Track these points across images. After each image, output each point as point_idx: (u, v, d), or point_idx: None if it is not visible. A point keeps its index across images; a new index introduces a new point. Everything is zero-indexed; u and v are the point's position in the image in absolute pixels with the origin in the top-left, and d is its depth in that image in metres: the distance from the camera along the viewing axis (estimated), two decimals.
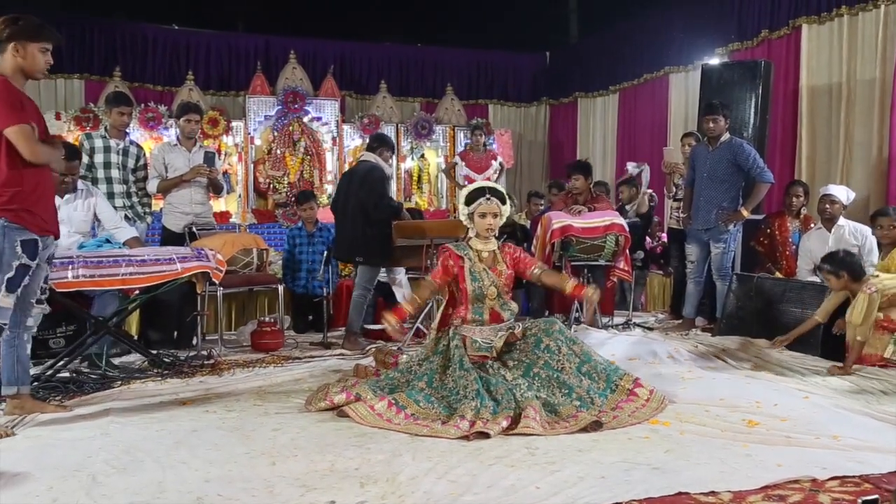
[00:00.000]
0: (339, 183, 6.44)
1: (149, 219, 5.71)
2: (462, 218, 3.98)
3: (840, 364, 4.34)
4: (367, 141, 6.45)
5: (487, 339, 3.80)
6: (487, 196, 3.86)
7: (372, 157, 5.66)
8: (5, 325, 3.30)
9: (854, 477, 2.63)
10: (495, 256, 3.93)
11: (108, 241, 4.59)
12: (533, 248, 5.97)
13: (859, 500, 2.23)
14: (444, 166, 9.87)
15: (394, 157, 6.14)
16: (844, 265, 4.53)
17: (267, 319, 5.62)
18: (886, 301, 4.34)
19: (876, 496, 2.24)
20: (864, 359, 4.38)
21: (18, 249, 3.25)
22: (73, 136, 7.98)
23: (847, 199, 5.58)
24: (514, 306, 3.97)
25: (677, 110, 8.77)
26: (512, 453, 2.95)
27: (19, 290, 3.29)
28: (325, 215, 7.74)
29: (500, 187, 4.00)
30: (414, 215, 6.70)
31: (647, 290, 7.58)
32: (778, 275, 5.83)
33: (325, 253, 6.05)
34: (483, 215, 3.87)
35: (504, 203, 3.92)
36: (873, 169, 6.31)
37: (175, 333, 5.49)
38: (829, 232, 5.49)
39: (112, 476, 2.70)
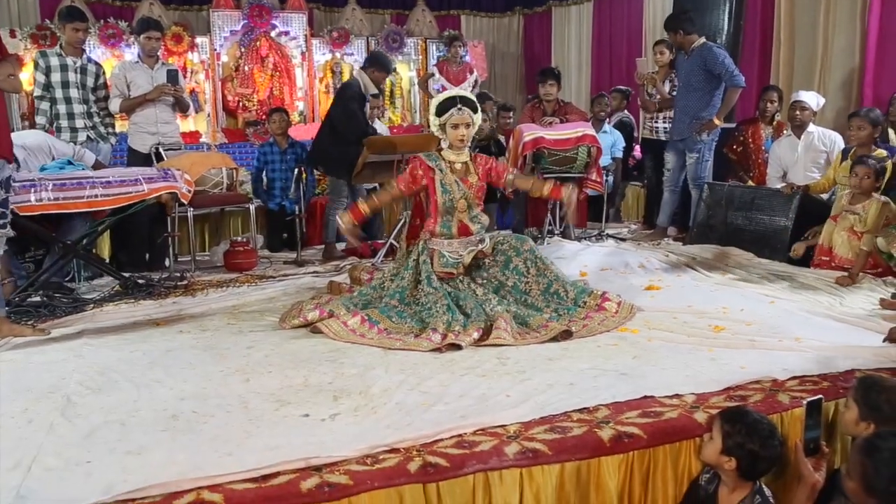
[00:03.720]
0: None
1: (113, 139, 5.58)
2: (433, 129, 3.91)
3: (846, 274, 4.25)
4: None
5: (455, 253, 3.79)
6: (459, 106, 3.78)
7: (357, 75, 5.76)
8: None
9: (813, 376, 2.72)
10: (467, 167, 3.89)
11: (70, 162, 4.48)
12: (506, 160, 5.93)
13: (803, 401, 2.29)
14: (417, 79, 9.69)
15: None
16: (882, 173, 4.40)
17: (240, 239, 5.59)
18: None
19: (820, 396, 2.30)
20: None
21: None
22: (30, 54, 7.69)
23: (817, 106, 5.56)
24: (485, 219, 3.94)
25: (654, 18, 8.59)
26: (483, 363, 3.00)
27: None
28: (297, 132, 7.63)
29: (471, 95, 3.94)
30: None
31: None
32: (750, 183, 5.86)
33: (297, 171, 6.00)
34: (455, 126, 3.79)
35: (476, 112, 3.86)
36: (853, 73, 6.27)
37: (147, 255, 5.45)
38: (799, 139, 5.49)
39: (87, 396, 2.72)
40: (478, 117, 3.86)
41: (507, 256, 3.81)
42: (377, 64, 5.74)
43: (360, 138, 5.39)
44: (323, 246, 5.97)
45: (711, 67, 5.64)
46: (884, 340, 3.10)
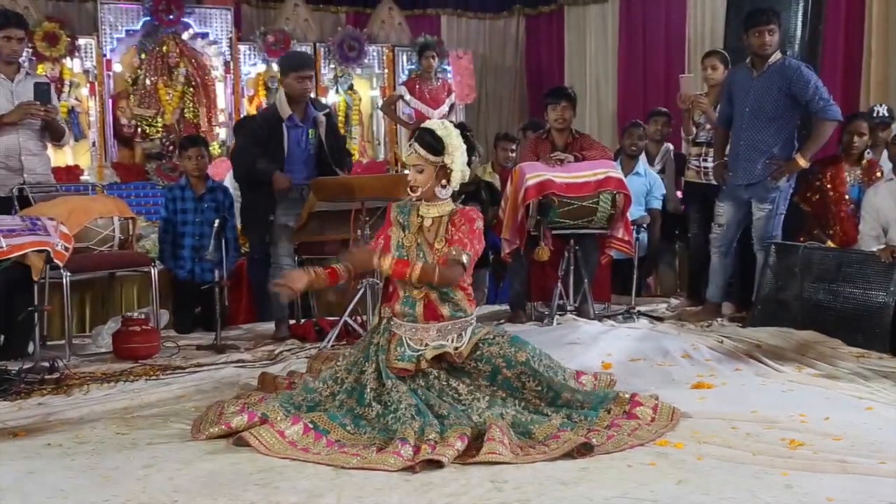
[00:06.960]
0: None
1: None
2: None
3: None
4: None
5: (418, 341, 3.77)
6: (411, 141, 3.83)
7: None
8: None
9: None
10: (439, 227, 3.83)
11: None
12: (501, 212, 5.97)
13: None
14: (381, 102, 9.84)
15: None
16: None
17: (135, 316, 5.56)
18: None
19: None
20: None
21: None
22: None
23: None
24: (464, 302, 3.84)
25: (701, 20, 8.83)
26: (472, 489, 2.98)
27: None
28: (217, 169, 7.67)
29: (441, 127, 3.82)
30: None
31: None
32: (829, 244, 5.93)
33: (217, 222, 6.00)
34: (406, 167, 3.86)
35: (438, 154, 3.75)
36: None
37: (2, 338, 5.40)
38: None
39: None
40: (448, 159, 3.76)
41: (493, 365, 3.75)
42: (281, 65, 6.06)
43: (249, 180, 5.72)
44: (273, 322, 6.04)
45: (798, 92, 5.69)
46: None
